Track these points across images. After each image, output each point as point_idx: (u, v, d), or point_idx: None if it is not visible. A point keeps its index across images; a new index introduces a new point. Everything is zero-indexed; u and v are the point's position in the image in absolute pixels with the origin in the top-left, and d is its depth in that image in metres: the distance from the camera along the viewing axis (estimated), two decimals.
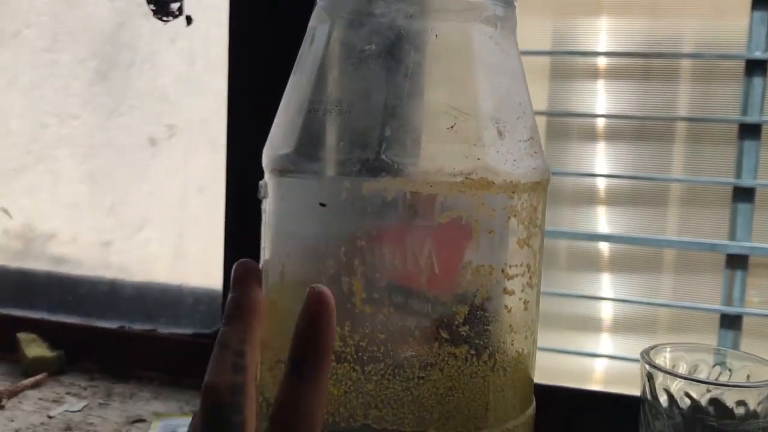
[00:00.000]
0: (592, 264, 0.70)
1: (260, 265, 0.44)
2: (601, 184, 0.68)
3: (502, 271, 0.39)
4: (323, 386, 0.35)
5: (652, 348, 0.46)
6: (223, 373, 0.36)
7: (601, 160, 0.69)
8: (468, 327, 0.38)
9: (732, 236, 0.66)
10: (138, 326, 0.72)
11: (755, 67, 0.64)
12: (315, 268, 0.39)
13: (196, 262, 0.75)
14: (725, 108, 0.66)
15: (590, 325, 0.69)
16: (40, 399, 0.63)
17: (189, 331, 0.70)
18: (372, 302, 0.38)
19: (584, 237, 0.69)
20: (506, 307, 0.40)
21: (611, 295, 0.69)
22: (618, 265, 0.69)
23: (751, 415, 0.42)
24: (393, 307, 0.38)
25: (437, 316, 0.38)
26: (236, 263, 0.38)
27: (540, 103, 0.68)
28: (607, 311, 0.70)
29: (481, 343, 0.39)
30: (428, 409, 0.38)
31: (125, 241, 0.77)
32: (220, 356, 0.37)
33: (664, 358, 0.45)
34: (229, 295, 0.38)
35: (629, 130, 0.67)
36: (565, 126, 0.70)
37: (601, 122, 0.68)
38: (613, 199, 0.69)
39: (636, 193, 0.68)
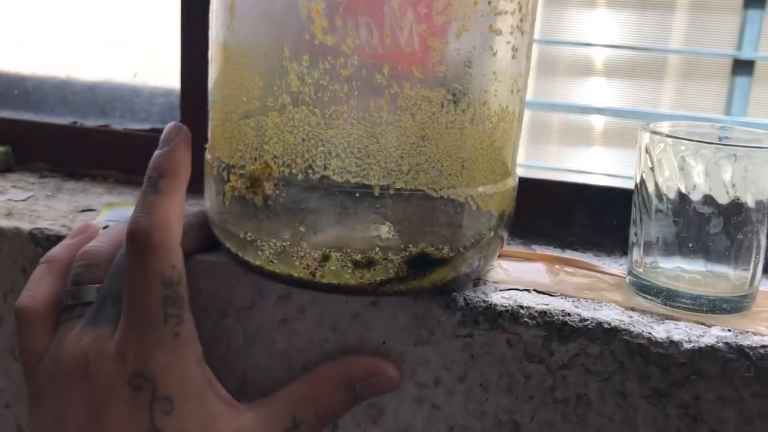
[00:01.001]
0: (584, 138, 0.66)
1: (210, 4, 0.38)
2: (597, 54, 0.63)
3: (489, 2, 0.33)
4: (178, 200, 0.37)
5: (650, 123, 0.42)
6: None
7: (598, 30, 0.63)
8: (445, 66, 0.33)
9: (727, 111, 0.62)
10: (91, 122, 0.67)
11: None
12: None
13: (151, 58, 0.68)
14: None
15: None
16: None
17: (145, 126, 0.65)
18: (335, 31, 0.32)
19: (577, 110, 0.64)
20: (491, 49, 0.34)
21: (603, 171, 0.65)
22: (611, 139, 0.66)
23: (761, 186, 0.38)
24: (359, 38, 0.32)
25: (410, 49, 0.32)
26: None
27: None
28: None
29: (460, 87, 0.34)
30: (396, 161, 0.34)
31: (76, 39, 0.70)
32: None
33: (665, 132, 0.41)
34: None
35: None
36: None
37: None
38: (609, 71, 0.65)
39: (632, 65, 0.64)
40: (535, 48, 0.64)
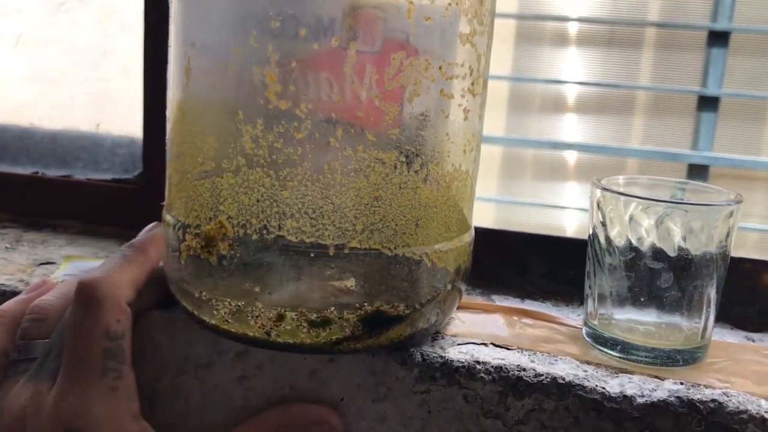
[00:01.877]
0: (557, 173, 0.67)
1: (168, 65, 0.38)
2: (568, 91, 0.65)
3: (440, 68, 0.34)
4: (137, 269, 0.39)
5: (603, 177, 0.43)
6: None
7: (570, 67, 0.65)
8: (397, 129, 0.34)
9: (694, 146, 0.64)
10: (53, 172, 0.66)
11: None
12: (222, 60, 0.34)
13: (114, 107, 0.68)
14: (695, 14, 0.63)
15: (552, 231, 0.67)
16: None
17: (108, 176, 0.65)
18: (288, 97, 0.33)
19: (550, 145, 0.66)
20: (443, 112, 0.35)
21: (576, 205, 0.67)
22: (582, 174, 0.67)
23: (709, 240, 0.39)
24: (312, 103, 0.33)
25: (363, 114, 0.33)
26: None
27: (510, 5, 0.64)
28: (572, 221, 0.67)
29: (413, 149, 0.34)
30: (351, 221, 0.34)
31: (41, 87, 0.70)
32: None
33: (617, 188, 0.42)
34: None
35: (599, 36, 0.64)
36: (536, 31, 0.65)
37: (572, 28, 0.65)
38: (580, 107, 0.67)
39: (602, 101, 0.66)
40: (508, 85, 0.66)
